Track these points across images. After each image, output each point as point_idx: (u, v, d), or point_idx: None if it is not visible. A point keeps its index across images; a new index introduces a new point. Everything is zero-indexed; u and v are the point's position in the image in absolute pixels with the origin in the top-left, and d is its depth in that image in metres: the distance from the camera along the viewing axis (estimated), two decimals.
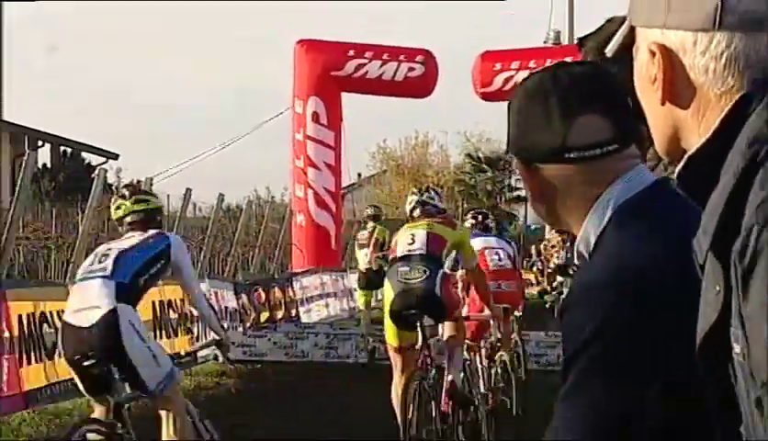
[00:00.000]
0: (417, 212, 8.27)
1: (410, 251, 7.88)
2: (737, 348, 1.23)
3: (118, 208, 6.58)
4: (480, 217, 10.59)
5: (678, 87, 1.36)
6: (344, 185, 19.92)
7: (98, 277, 6.25)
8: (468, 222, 10.39)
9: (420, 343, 7.69)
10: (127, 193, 6.74)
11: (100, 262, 6.36)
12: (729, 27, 1.30)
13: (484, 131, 44.02)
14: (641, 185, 1.79)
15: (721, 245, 1.25)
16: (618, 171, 1.80)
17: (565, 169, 1.81)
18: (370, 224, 15.71)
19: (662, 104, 1.39)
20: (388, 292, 7.96)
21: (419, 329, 7.67)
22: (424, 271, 7.70)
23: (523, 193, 43.79)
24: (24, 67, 62.88)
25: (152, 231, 6.47)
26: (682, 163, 1.37)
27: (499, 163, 43.66)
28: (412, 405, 7.57)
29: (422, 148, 45.40)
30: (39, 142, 30.97)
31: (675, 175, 1.40)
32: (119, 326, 6.01)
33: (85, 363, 6.08)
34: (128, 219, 6.54)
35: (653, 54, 1.37)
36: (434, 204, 8.36)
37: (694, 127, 1.37)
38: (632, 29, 1.45)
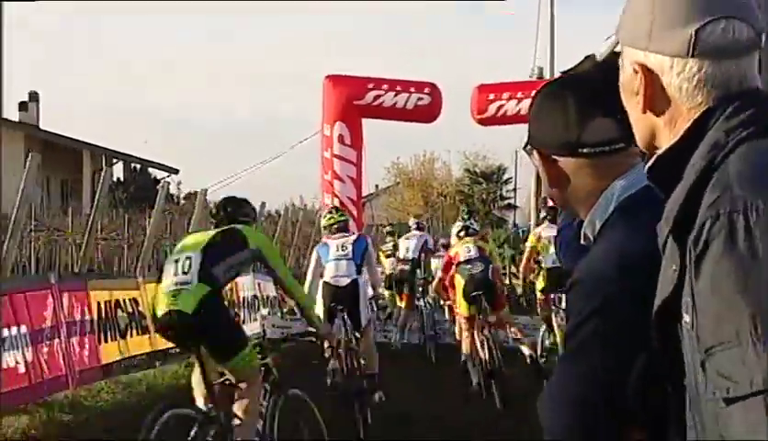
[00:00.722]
0: (463, 233, 10.49)
1: (469, 256, 9.95)
2: (686, 318, 1.24)
3: (329, 218, 9.03)
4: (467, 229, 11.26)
5: (656, 100, 1.36)
6: (364, 194, 19.88)
7: (345, 258, 8.59)
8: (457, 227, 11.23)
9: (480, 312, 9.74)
10: (334, 210, 9.43)
11: (344, 249, 8.66)
12: (700, 55, 1.31)
13: (480, 151, 43.79)
14: (643, 181, 1.66)
15: (679, 232, 1.26)
16: (623, 167, 1.75)
17: (577, 163, 1.77)
18: (389, 238, 16.57)
19: (643, 112, 1.39)
20: (459, 282, 9.93)
21: (480, 304, 9.70)
22: (482, 267, 9.82)
23: (512, 201, 43.82)
24: (99, 95, 63.08)
25: (350, 233, 9.07)
26: (651, 161, 1.39)
27: (492, 176, 43.53)
28: (481, 351, 9.59)
29: (429, 164, 45.20)
30: (114, 160, 31.06)
31: (645, 169, 1.42)
32: (359, 288, 8.51)
33: (338, 308, 8.42)
34: (336, 226, 8.87)
35: (636, 72, 1.37)
36: (474, 228, 10.71)
37: (666, 133, 1.37)
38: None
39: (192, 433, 5.20)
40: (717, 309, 1.17)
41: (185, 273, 5.52)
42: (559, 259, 2.27)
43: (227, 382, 5.57)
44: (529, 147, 1.86)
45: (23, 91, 33.01)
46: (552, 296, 11.10)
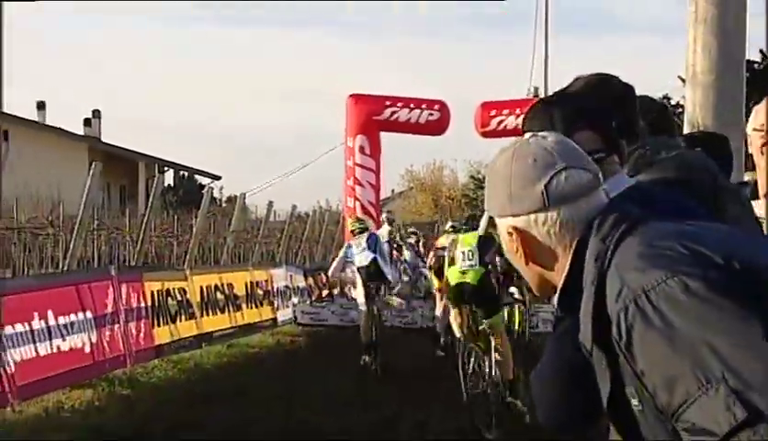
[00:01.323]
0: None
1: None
2: (634, 402, 1.24)
3: (352, 224, 10.61)
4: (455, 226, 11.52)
5: (534, 252, 1.39)
6: (381, 198, 19.90)
7: (365, 250, 9.86)
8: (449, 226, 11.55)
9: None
10: (356, 218, 10.57)
11: (361, 245, 9.90)
12: (554, 204, 1.35)
13: (483, 160, 43.30)
14: (622, 185, 1.66)
15: (599, 335, 1.26)
16: (606, 174, 1.67)
17: None
18: (413, 236, 16.20)
19: (526, 265, 1.41)
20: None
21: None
22: None
23: None
24: (153, 111, 63.41)
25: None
26: (557, 296, 1.40)
27: None
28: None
29: (438, 171, 45.05)
30: (165, 168, 31.13)
31: (556, 302, 1.41)
32: (378, 261, 9.84)
33: (371, 285, 9.76)
34: (356, 230, 10.23)
35: (510, 234, 1.40)
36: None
37: (555, 273, 1.39)
38: None
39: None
40: (663, 379, 1.16)
41: (470, 259, 7.28)
42: None
43: (488, 330, 7.07)
44: None
45: (88, 109, 33.19)
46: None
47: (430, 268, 13.15)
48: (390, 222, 14.77)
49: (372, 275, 9.93)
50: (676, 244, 1.21)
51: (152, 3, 62.94)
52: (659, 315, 1.16)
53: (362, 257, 9.99)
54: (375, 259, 9.96)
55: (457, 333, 7.53)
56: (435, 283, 12.95)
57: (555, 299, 1.40)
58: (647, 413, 1.22)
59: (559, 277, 1.38)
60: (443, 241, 10.77)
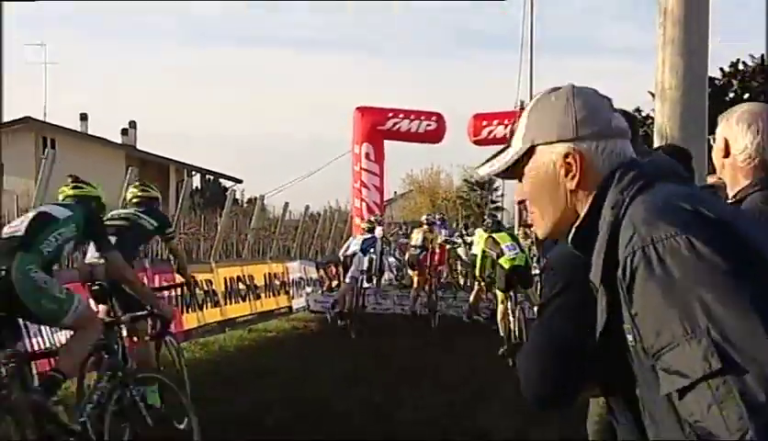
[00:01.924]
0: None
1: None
2: (630, 338, 1.24)
3: (365, 225, 11.81)
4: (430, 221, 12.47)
5: (584, 179, 1.35)
6: (385, 199, 19.93)
7: (358, 246, 11.32)
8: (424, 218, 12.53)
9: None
10: (368, 220, 9.89)
11: (358, 241, 11.25)
12: (614, 135, 1.35)
13: (475, 165, 43.55)
14: None
15: (607, 275, 1.25)
16: None
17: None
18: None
19: (574, 191, 1.35)
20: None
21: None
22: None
23: (500, 204, 43.58)
24: (182, 121, 63.40)
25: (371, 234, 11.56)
26: (573, 232, 1.36)
27: (485, 185, 43.35)
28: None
29: (435, 175, 45.07)
30: (193, 172, 31.15)
31: (570, 238, 1.37)
32: (356, 256, 11.04)
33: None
34: (366, 228, 11.47)
35: (567, 156, 1.34)
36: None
37: (581, 204, 1.35)
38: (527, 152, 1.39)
39: None
40: (653, 322, 1.17)
41: (515, 249, 8.49)
42: (540, 252, 2.19)
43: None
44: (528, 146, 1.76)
45: (125, 121, 33.21)
46: None
47: (408, 263, 13.37)
48: (380, 224, 14.88)
49: (368, 269, 11.51)
50: (687, 205, 1.20)
51: (181, 27, 62.96)
52: (661, 265, 1.16)
53: (355, 249, 11.40)
54: (354, 253, 11.27)
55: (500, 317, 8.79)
56: (412, 274, 13.25)
57: (570, 235, 1.37)
58: (638, 350, 1.22)
59: (576, 214, 1.36)
60: (415, 237, 11.80)
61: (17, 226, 4.33)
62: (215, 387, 7.08)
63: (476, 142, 17.99)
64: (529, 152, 1.39)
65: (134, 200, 6.37)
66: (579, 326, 1.53)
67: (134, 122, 32.18)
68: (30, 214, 4.50)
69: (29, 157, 26.04)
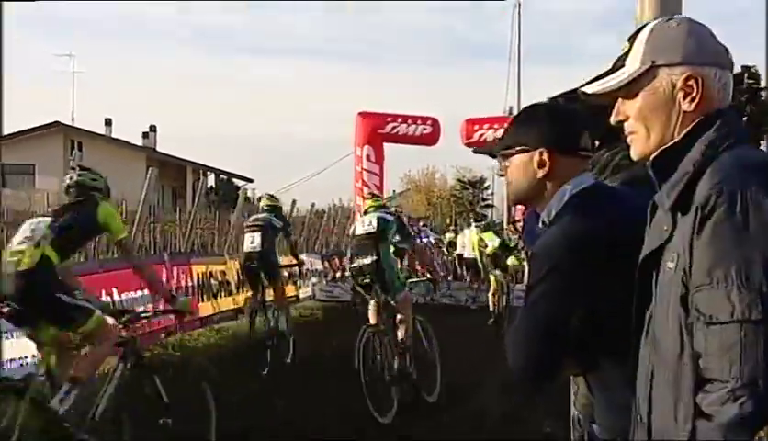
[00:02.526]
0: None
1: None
2: (670, 264, 1.21)
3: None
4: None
5: (701, 102, 1.28)
6: (384, 197, 19.91)
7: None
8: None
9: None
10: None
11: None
12: (728, 66, 1.31)
13: (467, 166, 43.56)
14: (588, 183, 1.67)
15: (678, 203, 1.22)
16: (577, 171, 1.68)
17: (562, 160, 1.67)
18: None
19: (689, 112, 1.28)
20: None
21: None
22: None
23: (490, 202, 43.51)
24: (199, 125, 63.32)
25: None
26: (656, 153, 1.31)
27: (476, 184, 43.31)
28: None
29: (431, 175, 44.99)
30: (208, 172, 31.13)
31: (651, 160, 1.32)
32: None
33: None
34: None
35: (689, 79, 1.28)
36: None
37: (686, 127, 1.29)
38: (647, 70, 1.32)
39: None
40: (711, 257, 1.14)
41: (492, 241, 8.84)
42: (523, 240, 2.22)
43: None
44: (511, 150, 1.71)
45: (146, 125, 33.17)
46: None
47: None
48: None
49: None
50: None
51: (197, 38, 62.82)
52: (743, 213, 1.14)
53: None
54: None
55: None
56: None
57: (655, 154, 1.31)
58: (675, 277, 1.19)
59: (673, 138, 1.30)
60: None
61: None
62: (228, 368, 7.09)
63: (468, 145, 17.98)
64: (647, 73, 1.31)
65: (265, 208, 7.88)
66: (562, 309, 1.54)
67: (154, 126, 32.18)
68: None
69: (59, 158, 26.04)
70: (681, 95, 1.29)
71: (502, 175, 1.77)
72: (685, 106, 1.28)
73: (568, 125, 1.70)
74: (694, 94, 1.28)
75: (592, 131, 1.71)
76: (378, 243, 5.99)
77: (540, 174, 1.67)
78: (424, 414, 5.61)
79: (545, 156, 1.67)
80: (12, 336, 5.48)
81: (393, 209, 7.88)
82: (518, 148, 1.70)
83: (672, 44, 1.31)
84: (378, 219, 6.17)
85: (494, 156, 1.78)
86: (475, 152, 11.01)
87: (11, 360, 5.41)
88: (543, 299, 1.57)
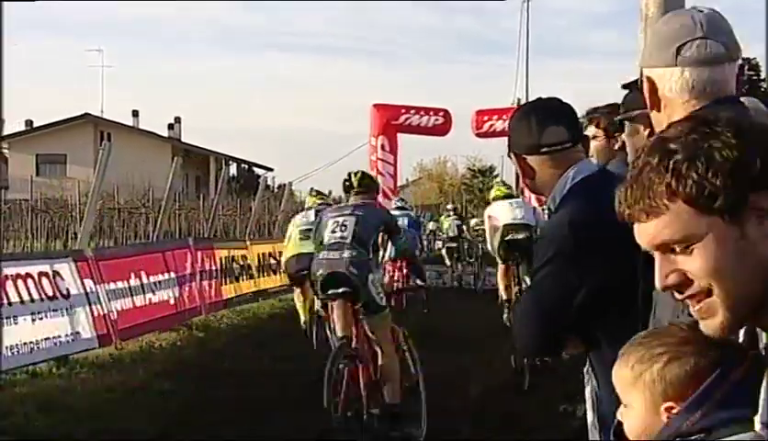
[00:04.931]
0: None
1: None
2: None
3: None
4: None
5: (658, 101, 1.30)
6: (398, 185, 19.90)
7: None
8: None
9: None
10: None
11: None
12: (681, 64, 1.28)
13: (478, 155, 43.25)
14: (588, 170, 1.69)
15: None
16: (573, 160, 1.69)
17: (540, 159, 1.69)
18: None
19: (650, 110, 1.32)
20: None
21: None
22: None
23: None
24: (221, 116, 63.47)
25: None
26: None
27: (486, 172, 43.07)
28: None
29: (442, 164, 44.73)
30: (230, 162, 31.31)
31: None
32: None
33: None
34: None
35: (646, 82, 1.32)
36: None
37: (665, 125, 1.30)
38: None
39: None
40: None
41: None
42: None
43: None
44: (509, 152, 1.80)
45: (171, 116, 33.28)
46: None
47: None
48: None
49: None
50: None
51: (219, 35, 62.74)
52: None
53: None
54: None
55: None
56: None
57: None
58: None
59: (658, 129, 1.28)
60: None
61: None
62: (249, 347, 7.16)
63: (478, 135, 17.90)
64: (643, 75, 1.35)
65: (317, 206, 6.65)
66: (565, 291, 1.54)
67: (179, 118, 32.29)
68: None
69: (89, 149, 26.22)
70: (647, 94, 1.32)
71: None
72: (653, 102, 1.31)
73: (527, 128, 1.71)
74: (648, 93, 1.31)
75: (566, 123, 1.70)
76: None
77: (525, 177, 1.73)
78: None
79: (522, 163, 1.72)
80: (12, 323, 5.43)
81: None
82: (510, 154, 1.79)
83: (646, 48, 1.34)
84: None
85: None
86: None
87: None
88: (547, 280, 1.58)
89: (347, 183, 4.50)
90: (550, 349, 1.66)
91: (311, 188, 8.22)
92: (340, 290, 4.15)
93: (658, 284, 0.89)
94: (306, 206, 7.51)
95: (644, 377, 0.91)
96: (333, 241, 4.26)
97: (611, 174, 1.74)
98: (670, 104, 1.29)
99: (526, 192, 17.52)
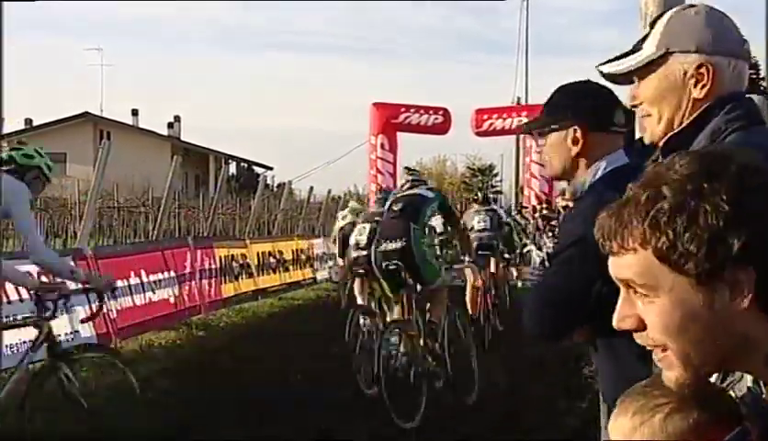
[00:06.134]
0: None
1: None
2: None
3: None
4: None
5: (712, 90, 1.25)
6: (398, 184, 19.89)
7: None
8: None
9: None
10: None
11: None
12: (744, 56, 1.26)
13: (477, 154, 43.29)
14: (621, 162, 1.67)
15: None
16: (616, 147, 1.69)
17: (601, 137, 1.66)
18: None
19: (700, 100, 1.26)
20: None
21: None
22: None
23: (498, 188, 43.22)
24: (220, 115, 63.45)
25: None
26: (666, 137, 1.29)
27: (485, 171, 43.09)
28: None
29: (442, 163, 44.74)
30: (230, 161, 31.26)
31: (660, 146, 1.30)
32: None
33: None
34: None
35: (700, 67, 1.25)
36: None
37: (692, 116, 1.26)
38: (661, 56, 1.28)
39: None
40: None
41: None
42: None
43: None
44: (563, 123, 1.68)
45: (170, 115, 33.27)
46: None
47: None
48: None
49: None
50: None
51: (218, 35, 62.73)
52: None
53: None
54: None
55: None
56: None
57: (664, 139, 1.29)
58: None
59: (677, 123, 1.27)
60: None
61: None
62: (248, 346, 7.15)
63: (478, 134, 17.93)
64: (662, 58, 1.28)
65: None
66: (582, 278, 1.50)
67: (178, 117, 32.26)
68: None
69: (88, 147, 26.20)
70: (692, 82, 1.26)
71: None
72: (696, 93, 1.26)
73: (600, 102, 1.68)
74: (704, 81, 1.25)
75: (625, 108, 1.68)
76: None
77: (574, 151, 1.68)
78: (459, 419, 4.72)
79: (578, 134, 1.67)
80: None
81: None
82: (553, 126, 1.70)
83: (687, 32, 1.28)
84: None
85: (530, 133, 1.78)
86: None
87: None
88: (566, 266, 1.57)
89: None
90: (560, 335, 1.63)
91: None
92: None
93: (614, 321, 0.85)
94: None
95: (644, 428, 0.86)
96: None
97: (642, 170, 1.78)
98: (716, 93, 1.24)
99: (526, 191, 17.49)
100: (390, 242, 4.88)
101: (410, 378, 4.69)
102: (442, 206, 5.13)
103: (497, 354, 6.61)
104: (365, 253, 5.60)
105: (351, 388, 5.37)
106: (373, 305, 5.86)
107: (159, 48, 64.06)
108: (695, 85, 1.25)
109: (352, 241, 5.97)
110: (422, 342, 4.84)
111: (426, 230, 5.03)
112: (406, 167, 7.07)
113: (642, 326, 0.83)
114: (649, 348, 0.84)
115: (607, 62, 1.36)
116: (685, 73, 1.26)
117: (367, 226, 5.81)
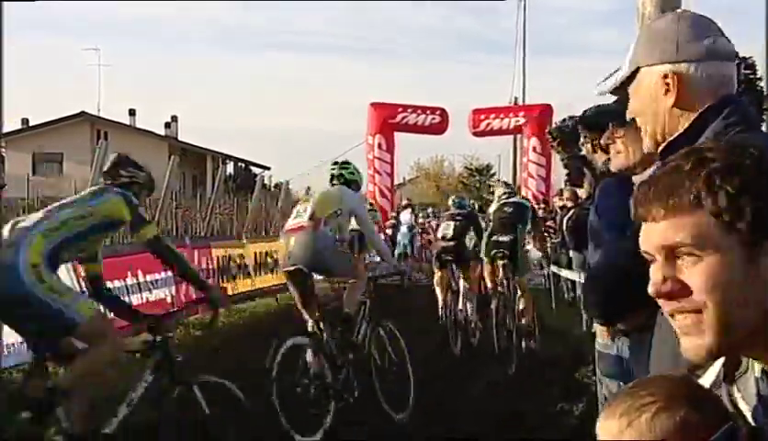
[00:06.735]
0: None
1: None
2: None
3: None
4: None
5: (683, 97, 1.28)
6: (395, 184, 19.90)
7: None
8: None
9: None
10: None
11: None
12: (713, 58, 1.28)
13: (475, 154, 43.39)
14: None
15: None
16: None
17: None
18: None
19: (672, 107, 1.28)
20: None
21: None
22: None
23: (495, 187, 43.28)
24: (218, 115, 63.41)
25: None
26: (665, 144, 1.30)
27: (483, 171, 43.16)
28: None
29: (439, 163, 44.86)
30: (227, 160, 31.25)
31: (660, 150, 1.32)
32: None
33: None
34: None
35: (666, 77, 1.28)
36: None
37: (683, 121, 1.28)
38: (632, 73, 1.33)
39: None
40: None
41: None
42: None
43: None
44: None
45: (168, 115, 33.26)
46: None
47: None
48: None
49: None
50: None
51: (216, 35, 62.71)
52: None
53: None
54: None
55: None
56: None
57: (661, 148, 1.30)
58: None
59: (680, 128, 1.28)
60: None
61: None
62: (246, 346, 7.15)
63: (475, 134, 17.93)
64: (635, 74, 1.33)
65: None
66: (640, 261, 1.50)
67: (176, 116, 32.24)
68: None
69: (86, 147, 26.15)
70: (662, 92, 1.29)
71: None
72: (667, 102, 1.28)
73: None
74: (670, 89, 1.28)
75: None
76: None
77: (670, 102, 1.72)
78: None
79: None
80: None
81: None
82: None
83: (652, 45, 1.31)
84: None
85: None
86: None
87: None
88: (623, 252, 1.57)
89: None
90: (615, 316, 1.67)
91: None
92: None
93: (651, 289, 0.86)
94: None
95: (631, 429, 0.86)
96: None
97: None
98: (694, 100, 1.27)
99: (523, 191, 17.53)
100: (502, 235, 6.56)
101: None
102: (532, 215, 7.01)
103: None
104: (452, 243, 7.19)
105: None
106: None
107: (158, 48, 64.11)
108: (665, 94, 1.28)
109: (439, 234, 7.55)
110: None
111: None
112: (504, 181, 9.24)
113: (682, 290, 0.83)
114: (678, 314, 0.84)
115: (602, 81, 1.41)
116: (654, 85, 1.30)
117: (452, 223, 7.30)
